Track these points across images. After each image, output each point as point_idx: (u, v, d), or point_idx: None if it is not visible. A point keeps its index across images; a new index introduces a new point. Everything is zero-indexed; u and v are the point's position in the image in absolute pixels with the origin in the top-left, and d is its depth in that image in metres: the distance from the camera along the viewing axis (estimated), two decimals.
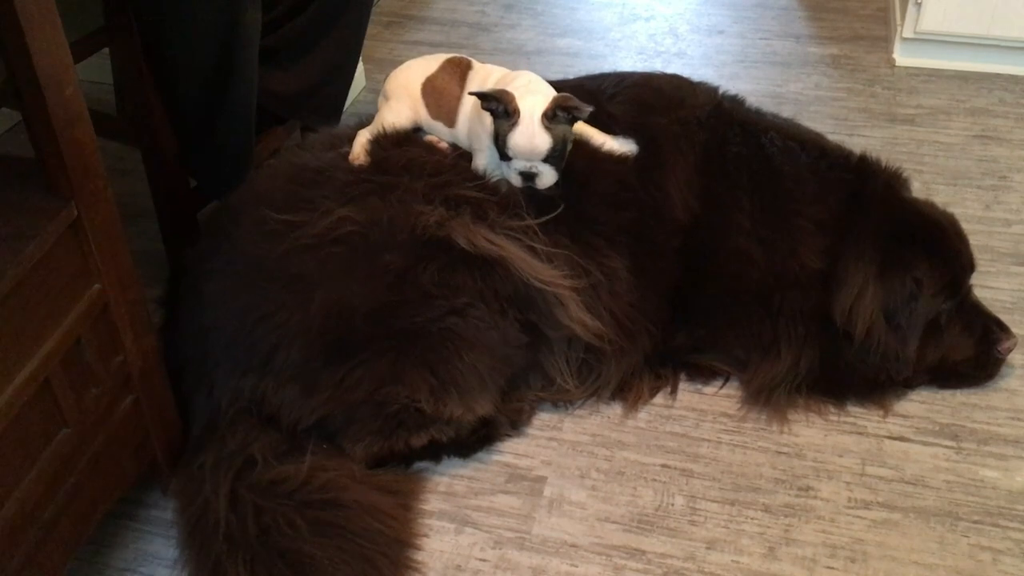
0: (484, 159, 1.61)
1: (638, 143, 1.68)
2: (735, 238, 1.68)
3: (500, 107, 1.51)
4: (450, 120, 1.63)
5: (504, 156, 1.54)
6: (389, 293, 1.49)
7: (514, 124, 1.50)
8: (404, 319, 1.49)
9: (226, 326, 1.51)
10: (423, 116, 1.66)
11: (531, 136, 1.50)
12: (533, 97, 1.52)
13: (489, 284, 1.53)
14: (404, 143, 1.64)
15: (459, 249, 1.51)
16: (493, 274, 1.53)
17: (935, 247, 1.65)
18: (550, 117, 1.50)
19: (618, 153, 1.65)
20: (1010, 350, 1.69)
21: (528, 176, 1.55)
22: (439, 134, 1.67)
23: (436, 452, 1.60)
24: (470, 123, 1.61)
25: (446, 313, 1.50)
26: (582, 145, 1.64)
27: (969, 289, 1.72)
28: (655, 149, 1.68)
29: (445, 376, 1.50)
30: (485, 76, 1.63)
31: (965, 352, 1.69)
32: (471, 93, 1.57)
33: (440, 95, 1.64)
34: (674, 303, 1.70)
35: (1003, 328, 1.69)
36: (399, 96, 1.67)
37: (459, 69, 1.66)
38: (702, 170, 1.70)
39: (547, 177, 1.55)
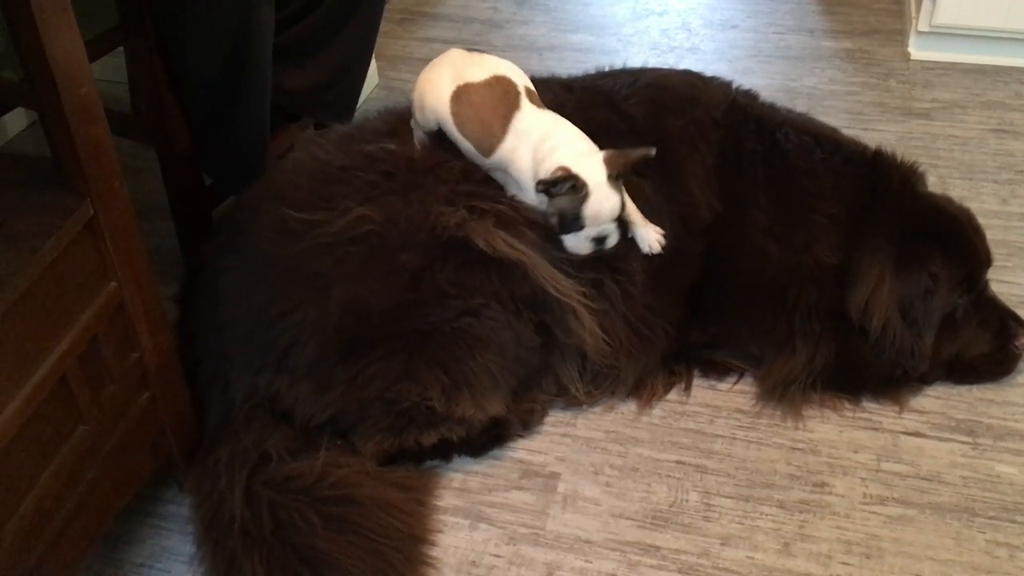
0: (529, 198, 1.55)
1: (656, 145, 1.66)
2: (752, 235, 1.67)
3: (567, 186, 1.46)
4: (483, 150, 1.55)
5: (572, 228, 1.50)
6: (405, 292, 1.49)
7: (585, 196, 1.46)
8: (419, 318, 1.49)
9: (242, 323, 1.51)
10: (448, 124, 1.56)
11: (604, 201, 1.47)
12: (588, 160, 1.47)
13: (506, 285, 1.52)
14: (434, 146, 1.62)
15: (477, 250, 1.50)
16: (510, 276, 1.52)
17: (951, 242, 1.65)
18: (613, 177, 1.48)
19: (642, 248, 1.60)
20: None
21: (600, 239, 1.51)
22: (460, 146, 1.58)
23: (447, 451, 1.60)
24: (512, 160, 1.53)
25: (461, 313, 1.50)
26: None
27: (986, 284, 1.71)
28: (672, 151, 1.67)
29: (458, 376, 1.51)
30: (527, 128, 1.52)
31: (981, 347, 1.68)
32: (539, 186, 1.48)
33: (477, 118, 1.54)
34: (691, 301, 1.70)
35: (1020, 323, 1.68)
36: (423, 96, 1.58)
37: (505, 103, 1.53)
38: (719, 169, 1.69)
39: (615, 236, 1.52)
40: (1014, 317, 1.69)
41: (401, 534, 1.44)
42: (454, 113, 1.55)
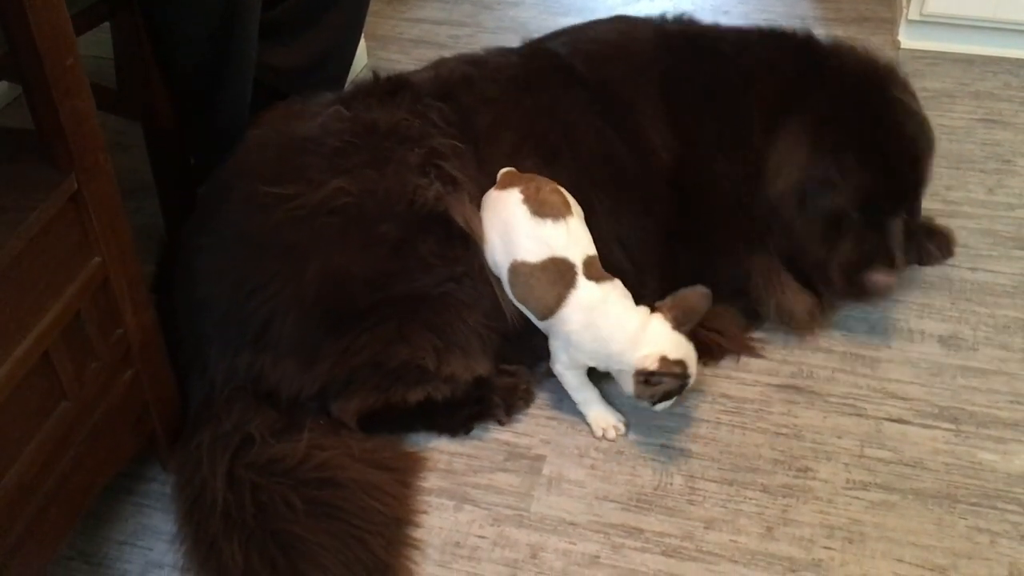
0: (564, 364, 1.58)
1: (604, 97, 1.68)
2: (706, 158, 1.68)
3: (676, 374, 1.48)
4: (540, 314, 1.55)
5: (669, 399, 1.53)
6: (387, 261, 1.49)
7: (687, 377, 1.49)
8: (404, 284, 1.49)
9: (218, 302, 1.50)
10: (506, 289, 1.56)
11: (695, 363, 1.51)
12: (673, 335, 1.50)
13: (485, 264, 1.56)
14: (388, 102, 1.63)
15: (456, 226, 1.52)
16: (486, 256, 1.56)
17: (878, 155, 1.61)
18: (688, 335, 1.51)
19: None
20: (880, 285, 1.63)
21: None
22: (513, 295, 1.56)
23: (430, 416, 1.59)
24: (553, 327, 1.55)
25: (445, 279, 1.51)
26: (555, 113, 1.66)
27: (892, 214, 1.65)
28: (620, 98, 1.68)
29: (449, 337, 1.52)
30: (582, 302, 1.51)
31: (847, 261, 1.66)
32: (640, 377, 1.49)
33: (535, 294, 1.52)
34: (672, 244, 1.71)
35: (889, 264, 1.63)
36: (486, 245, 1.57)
37: (562, 279, 1.51)
38: (667, 100, 1.69)
39: None
40: (889, 255, 1.63)
41: (384, 517, 1.43)
42: (512, 284, 1.55)
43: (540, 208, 1.52)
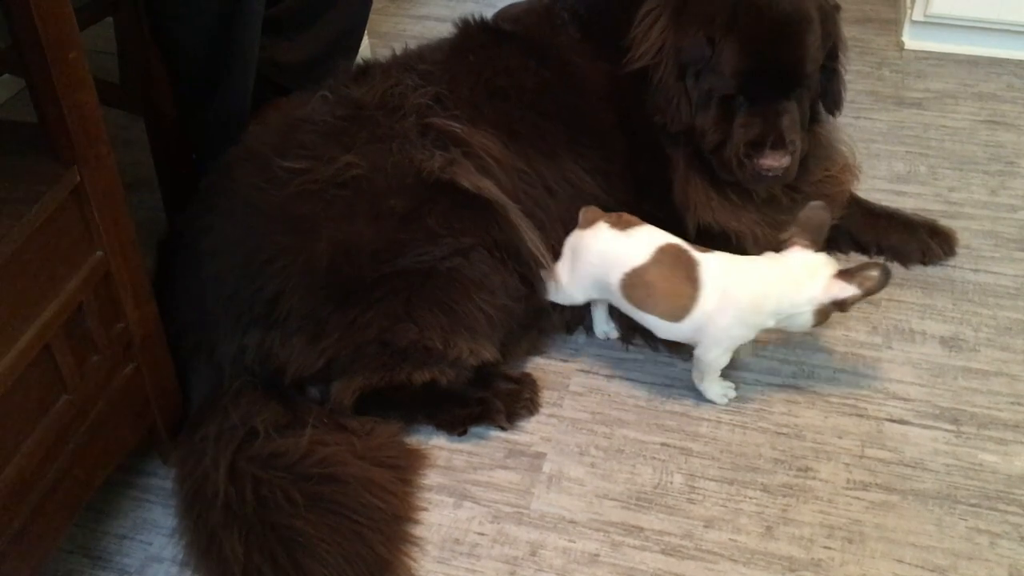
0: (719, 352, 1.58)
1: (539, 57, 1.74)
2: (619, 66, 1.70)
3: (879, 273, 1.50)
4: (674, 316, 1.56)
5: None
6: (396, 232, 1.51)
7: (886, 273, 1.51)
8: (411, 257, 1.51)
9: (227, 280, 1.51)
10: (620, 303, 1.61)
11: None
12: (817, 256, 1.53)
13: (490, 231, 1.56)
14: (363, 81, 1.68)
15: (463, 191, 1.54)
16: (493, 220, 1.56)
17: (752, 28, 1.58)
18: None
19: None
20: (770, 169, 1.62)
21: None
22: (641, 317, 1.60)
23: (431, 409, 1.60)
24: (707, 319, 1.54)
25: (452, 253, 1.53)
26: (496, 62, 1.72)
27: (778, 101, 1.63)
28: (545, 40, 1.76)
29: (456, 316, 1.53)
30: (715, 266, 1.54)
31: (739, 144, 1.64)
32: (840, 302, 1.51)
33: (660, 293, 1.55)
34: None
35: (778, 147, 1.61)
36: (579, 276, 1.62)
37: (680, 262, 1.54)
38: (583, 34, 1.76)
39: None
40: (779, 139, 1.61)
41: (383, 514, 1.43)
42: (629, 297, 1.58)
43: (624, 225, 1.59)
